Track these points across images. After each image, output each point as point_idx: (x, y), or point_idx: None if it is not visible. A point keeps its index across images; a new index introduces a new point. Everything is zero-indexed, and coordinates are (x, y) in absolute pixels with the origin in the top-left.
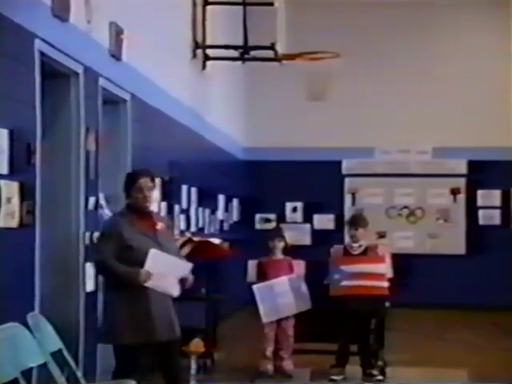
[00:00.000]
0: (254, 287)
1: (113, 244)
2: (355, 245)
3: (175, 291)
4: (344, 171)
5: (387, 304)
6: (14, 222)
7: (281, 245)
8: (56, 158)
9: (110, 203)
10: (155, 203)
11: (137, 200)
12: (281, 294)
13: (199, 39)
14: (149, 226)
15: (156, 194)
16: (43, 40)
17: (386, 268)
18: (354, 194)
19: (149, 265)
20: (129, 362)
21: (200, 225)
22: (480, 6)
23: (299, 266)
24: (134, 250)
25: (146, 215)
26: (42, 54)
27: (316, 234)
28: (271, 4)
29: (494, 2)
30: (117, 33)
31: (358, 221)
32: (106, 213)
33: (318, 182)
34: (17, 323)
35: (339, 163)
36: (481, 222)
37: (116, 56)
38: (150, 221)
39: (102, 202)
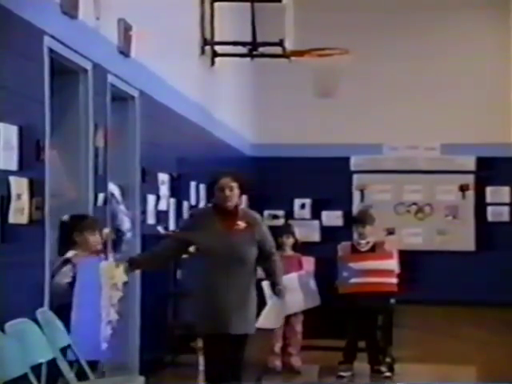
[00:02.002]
0: (263, 283)
1: (176, 240)
2: (363, 242)
3: None
4: (352, 168)
5: (392, 301)
6: (23, 218)
7: (290, 241)
8: (65, 154)
9: (125, 196)
10: (236, 201)
11: (218, 199)
12: (290, 291)
13: (208, 36)
14: (226, 225)
15: (237, 192)
16: (52, 37)
17: (394, 264)
18: (362, 191)
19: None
20: (210, 352)
21: None
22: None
23: (309, 263)
24: (203, 244)
25: (228, 214)
26: (51, 50)
27: (324, 230)
28: (279, 0)
29: (495, 3)
30: (125, 29)
31: (365, 218)
32: (121, 209)
33: (327, 178)
34: (26, 319)
35: (347, 160)
36: (489, 218)
37: (124, 53)
38: (230, 220)
39: (117, 194)
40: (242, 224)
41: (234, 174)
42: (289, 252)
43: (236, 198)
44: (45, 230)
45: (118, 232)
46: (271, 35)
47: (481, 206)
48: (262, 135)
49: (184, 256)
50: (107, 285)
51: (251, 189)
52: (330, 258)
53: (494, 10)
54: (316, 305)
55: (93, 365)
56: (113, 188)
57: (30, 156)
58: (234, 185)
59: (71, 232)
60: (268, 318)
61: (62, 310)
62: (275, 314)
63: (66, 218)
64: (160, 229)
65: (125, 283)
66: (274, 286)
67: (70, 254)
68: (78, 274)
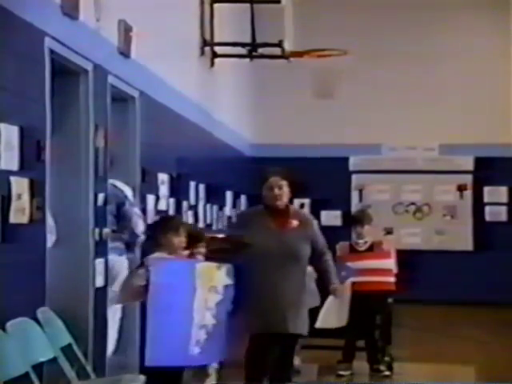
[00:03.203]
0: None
1: (228, 241)
2: (361, 241)
3: None
4: (351, 168)
5: (390, 300)
6: (24, 218)
7: None
8: (65, 154)
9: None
10: (287, 200)
11: (267, 198)
12: None
13: (207, 36)
14: (279, 224)
15: (287, 191)
16: (53, 38)
17: (392, 263)
18: (361, 191)
19: None
20: (258, 351)
21: (208, 221)
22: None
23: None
24: (255, 245)
25: (279, 212)
26: (52, 51)
27: (323, 230)
28: (278, 1)
29: (495, 3)
30: (126, 30)
31: (363, 218)
32: (136, 211)
33: (325, 178)
34: (27, 318)
35: (346, 160)
36: (487, 218)
37: (125, 53)
38: (282, 218)
39: (130, 196)
40: (294, 222)
41: (283, 172)
42: None
43: (286, 196)
44: (45, 229)
45: (133, 235)
46: (270, 36)
47: (479, 205)
48: (262, 135)
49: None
50: (204, 287)
51: (303, 187)
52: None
53: (494, 10)
54: (316, 305)
55: (178, 371)
56: (126, 190)
57: (30, 156)
58: (284, 183)
59: (157, 233)
60: (328, 318)
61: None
62: (335, 313)
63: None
64: None
65: (226, 286)
66: (328, 285)
67: (155, 255)
68: (156, 276)
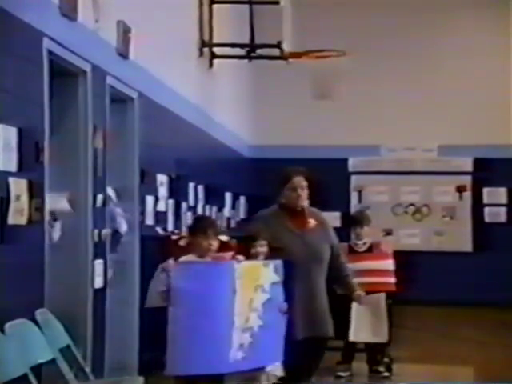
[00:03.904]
0: None
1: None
2: (360, 242)
3: None
4: (350, 169)
5: (389, 301)
6: (22, 219)
7: None
8: (64, 155)
9: (121, 197)
10: (307, 201)
11: (290, 199)
12: None
13: (206, 37)
14: (298, 224)
15: (307, 192)
16: (51, 39)
17: (391, 264)
18: (360, 192)
19: None
20: (299, 357)
21: None
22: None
23: None
24: (281, 250)
25: (297, 213)
26: (51, 52)
27: None
28: (277, 2)
29: (495, 3)
30: (124, 31)
31: (362, 219)
32: (118, 211)
33: (324, 179)
34: (26, 319)
35: (345, 161)
36: (487, 219)
37: (123, 54)
38: (300, 219)
39: (112, 195)
40: (312, 222)
41: (306, 172)
42: None
43: (307, 197)
44: (44, 231)
45: (116, 234)
46: (269, 37)
47: (478, 206)
48: (260, 137)
49: None
50: (248, 288)
51: (320, 188)
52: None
53: (494, 9)
54: None
55: (217, 380)
56: (109, 190)
57: (29, 157)
58: (306, 184)
59: (188, 235)
60: (363, 331)
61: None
62: (369, 325)
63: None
64: (159, 230)
65: (274, 283)
66: (350, 291)
67: (182, 258)
68: (177, 280)
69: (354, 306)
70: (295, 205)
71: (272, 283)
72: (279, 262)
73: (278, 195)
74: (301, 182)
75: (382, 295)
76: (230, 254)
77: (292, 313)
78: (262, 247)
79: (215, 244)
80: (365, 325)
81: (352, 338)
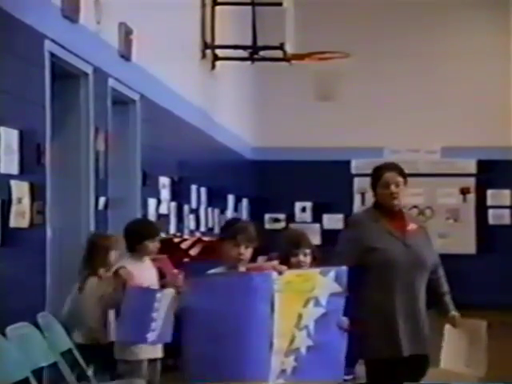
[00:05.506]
0: None
1: (354, 245)
2: None
3: None
4: (353, 171)
5: None
6: (24, 222)
7: (307, 260)
8: (66, 158)
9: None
10: (403, 201)
11: (382, 197)
12: None
13: (208, 39)
14: (398, 226)
15: (404, 189)
16: (53, 41)
17: None
18: (363, 194)
19: None
20: (378, 377)
21: (210, 225)
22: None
23: None
24: (379, 251)
25: (395, 214)
26: (52, 54)
27: (325, 233)
28: (280, 4)
29: (495, 3)
30: (126, 33)
31: None
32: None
33: (328, 181)
34: (27, 323)
35: (348, 163)
36: (490, 221)
37: (125, 56)
38: (399, 221)
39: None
40: (413, 225)
41: (398, 167)
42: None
43: (403, 196)
44: (46, 233)
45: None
46: (272, 39)
47: (482, 208)
48: (263, 139)
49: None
50: (293, 301)
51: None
52: (331, 260)
53: (494, 10)
54: None
55: None
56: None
57: (30, 160)
58: (401, 180)
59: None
60: (456, 357)
61: None
62: (464, 352)
63: None
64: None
65: (333, 295)
66: (444, 311)
67: (211, 271)
68: (190, 298)
69: (447, 328)
70: (390, 203)
71: (330, 294)
72: (343, 269)
73: (374, 194)
74: (394, 177)
75: (483, 322)
76: (273, 263)
77: (380, 329)
78: (305, 256)
79: (247, 253)
80: (458, 352)
81: (442, 364)
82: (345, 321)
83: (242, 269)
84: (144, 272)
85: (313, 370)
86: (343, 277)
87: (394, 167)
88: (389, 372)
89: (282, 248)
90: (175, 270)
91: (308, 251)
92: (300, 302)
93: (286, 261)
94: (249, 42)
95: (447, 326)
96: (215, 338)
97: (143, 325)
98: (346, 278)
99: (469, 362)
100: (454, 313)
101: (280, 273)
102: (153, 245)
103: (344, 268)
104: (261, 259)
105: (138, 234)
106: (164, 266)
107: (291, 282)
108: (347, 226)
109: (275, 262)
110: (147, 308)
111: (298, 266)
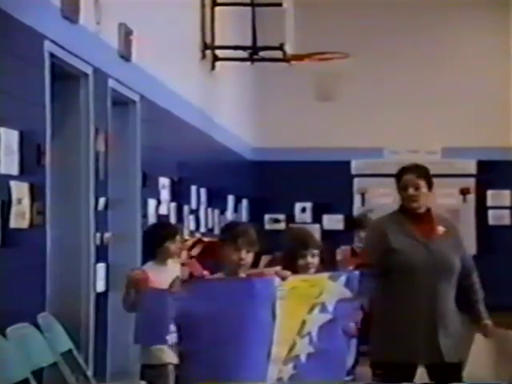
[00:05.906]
0: None
1: (375, 246)
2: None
3: None
4: (353, 171)
5: None
6: (24, 223)
7: (315, 262)
8: (66, 158)
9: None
10: (427, 203)
11: (402, 199)
12: None
13: (208, 40)
14: (423, 230)
15: (426, 192)
16: (53, 41)
17: None
18: (363, 195)
19: None
20: (388, 381)
21: (209, 225)
22: None
23: None
24: (397, 253)
25: (421, 217)
26: (52, 55)
27: (325, 234)
28: (280, 4)
29: (495, 3)
30: (126, 34)
31: (363, 222)
32: None
33: (327, 182)
34: (27, 323)
35: (348, 163)
36: (490, 222)
37: (125, 57)
38: (425, 224)
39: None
40: (440, 229)
41: (420, 169)
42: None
43: (425, 198)
44: (46, 234)
45: None
46: (272, 39)
47: (482, 209)
48: (263, 139)
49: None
50: (298, 307)
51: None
52: (331, 261)
53: (494, 10)
54: None
55: None
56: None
57: (30, 160)
58: (421, 183)
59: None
60: (481, 366)
61: None
62: (491, 361)
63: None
64: None
65: (342, 300)
66: (476, 319)
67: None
68: (184, 305)
69: (477, 337)
70: (409, 206)
71: (339, 300)
72: (355, 274)
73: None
74: (413, 180)
75: None
76: (275, 269)
77: (400, 335)
78: (313, 257)
79: (248, 258)
80: (486, 362)
81: (465, 373)
82: (352, 327)
83: (243, 274)
84: (165, 275)
85: (312, 377)
86: (355, 282)
87: (414, 170)
88: (399, 377)
89: (287, 248)
90: (205, 272)
91: (316, 252)
92: (305, 308)
93: (292, 262)
94: (249, 43)
95: (477, 335)
96: (213, 342)
97: (161, 327)
98: (357, 282)
99: (495, 372)
100: (486, 321)
101: (283, 278)
102: (174, 246)
103: (356, 273)
104: (265, 258)
105: (158, 237)
106: (194, 269)
107: (296, 288)
108: (370, 227)
109: (278, 268)
110: (164, 310)
111: (306, 268)
